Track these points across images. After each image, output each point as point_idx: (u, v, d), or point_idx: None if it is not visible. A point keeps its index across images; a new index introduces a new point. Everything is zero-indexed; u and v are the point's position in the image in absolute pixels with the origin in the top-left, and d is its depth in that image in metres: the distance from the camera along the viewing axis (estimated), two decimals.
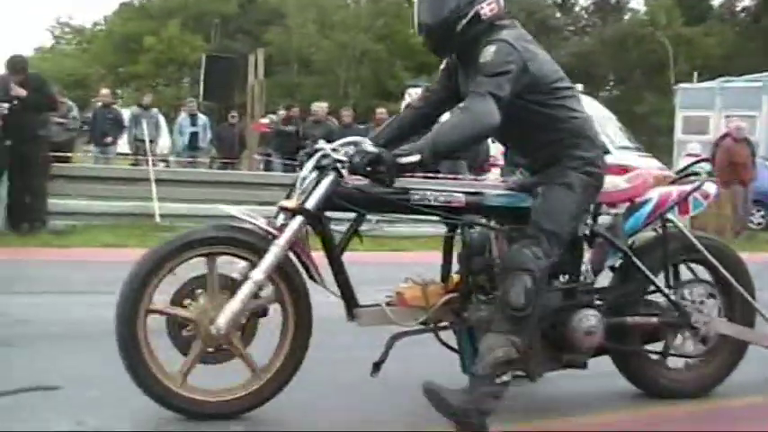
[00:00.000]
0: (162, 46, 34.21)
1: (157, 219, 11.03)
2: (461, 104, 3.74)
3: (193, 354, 3.66)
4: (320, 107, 16.19)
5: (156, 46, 34.45)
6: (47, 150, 10.92)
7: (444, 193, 3.86)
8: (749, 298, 4.33)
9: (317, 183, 3.67)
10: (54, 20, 45.91)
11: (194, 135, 16.69)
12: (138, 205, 11.09)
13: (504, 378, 3.65)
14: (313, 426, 3.80)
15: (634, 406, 4.29)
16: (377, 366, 3.81)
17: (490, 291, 3.89)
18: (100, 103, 15.93)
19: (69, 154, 14.16)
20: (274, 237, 3.62)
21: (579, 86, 21.17)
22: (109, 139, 15.23)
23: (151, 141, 15.09)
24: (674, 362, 4.39)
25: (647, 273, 4.13)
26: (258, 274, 3.59)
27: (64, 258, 8.23)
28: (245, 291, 3.59)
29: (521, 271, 3.66)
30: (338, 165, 3.64)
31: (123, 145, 16.89)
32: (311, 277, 3.76)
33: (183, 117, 17.15)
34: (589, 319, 3.96)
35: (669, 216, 4.22)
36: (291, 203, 3.66)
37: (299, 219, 3.64)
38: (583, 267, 4.07)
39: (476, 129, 3.63)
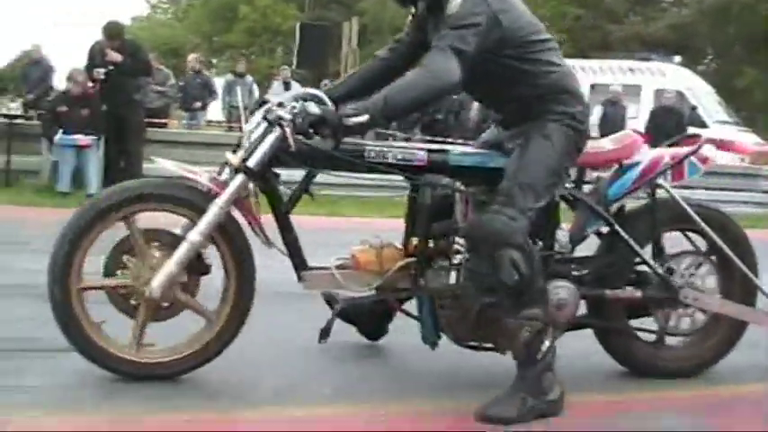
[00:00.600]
0: (256, 15, 33.72)
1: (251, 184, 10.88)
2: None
3: (141, 318, 3.41)
4: None
5: (250, 15, 34.00)
6: (142, 115, 10.96)
7: (404, 151, 3.51)
8: (749, 273, 3.87)
9: (262, 139, 3.35)
10: None
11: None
12: None
13: (545, 347, 3.30)
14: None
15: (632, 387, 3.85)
16: (325, 333, 3.51)
17: (452, 256, 3.53)
18: (191, 70, 15.86)
19: (165, 120, 14.16)
20: (216, 195, 3.33)
21: (677, 59, 20.50)
22: (198, 104, 15.10)
23: (245, 108, 14.84)
24: (663, 340, 3.95)
25: (631, 242, 3.71)
26: (195, 235, 3.32)
27: None
28: (180, 252, 3.32)
29: (502, 246, 3.27)
30: (282, 122, 3.29)
31: (216, 112, 16.82)
32: (257, 236, 3.46)
33: (276, 85, 16.94)
34: (560, 291, 3.59)
35: (660, 181, 3.77)
36: (235, 159, 3.36)
37: (240, 177, 3.35)
38: (559, 234, 3.67)
39: (433, 87, 3.27)
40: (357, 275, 3.53)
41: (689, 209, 3.78)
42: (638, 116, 16.69)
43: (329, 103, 3.34)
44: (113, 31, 10.53)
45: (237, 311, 3.47)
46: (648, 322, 3.89)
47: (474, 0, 3.27)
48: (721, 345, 3.96)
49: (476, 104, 11.26)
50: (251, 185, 3.40)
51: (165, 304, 3.42)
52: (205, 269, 3.50)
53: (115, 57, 10.24)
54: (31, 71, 14.52)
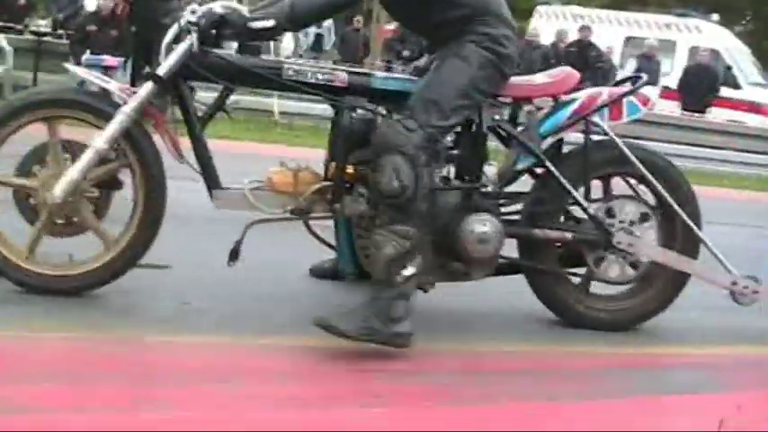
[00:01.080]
0: None
1: (276, 116, 10.73)
2: None
3: (38, 224, 3.28)
4: None
5: None
6: None
7: (324, 71, 3.31)
8: (690, 223, 3.61)
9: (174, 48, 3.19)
10: None
11: (319, 36, 16.35)
12: (257, 100, 10.44)
13: (407, 272, 3.05)
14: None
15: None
16: (234, 254, 3.33)
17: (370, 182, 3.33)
18: None
19: None
20: (124, 103, 3.17)
21: (715, 17, 19.80)
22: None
23: (275, 40, 14.63)
24: (599, 288, 3.73)
25: (562, 180, 3.48)
26: (99, 142, 3.17)
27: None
28: (84, 159, 3.18)
29: (389, 151, 3.08)
30: (190, 27, 3.12)
31: None
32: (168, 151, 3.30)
33: None
34: (483, 225, 3.36)
35: (595, 119, 3.52)
36: (147, 69, 3.20)
37: (148, 84, 3.18)
38: (486, 169, 3.45)
39: None
40: (271, 197, 3.35)
41: (627, 151, 3.53)
42: (671, 72, 16.20)
43: (241, 8, 3.14)
44: None
45: (146, 226, 3.31)
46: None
47: None
48: (660, 298, 3.71)
49: None
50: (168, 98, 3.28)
51: (60, 221, 3.29)
52: (117, 184, 3.36)
53: None
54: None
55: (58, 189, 3.15)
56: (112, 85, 3.23)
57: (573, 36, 14.94)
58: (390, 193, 3.04)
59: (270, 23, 3.06)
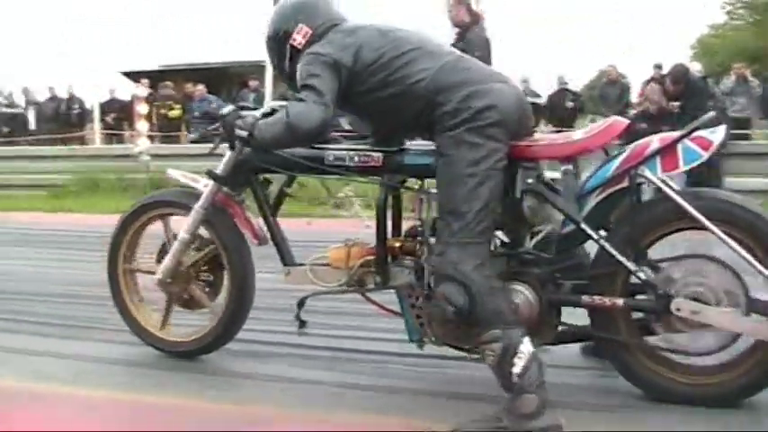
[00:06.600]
0: None
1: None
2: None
3: (165, 302, 3.85)
4: None
5: None
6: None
7: (360, 153, 3.39)
8: None
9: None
10: None
11: None
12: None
13: (517, 369, 2.85)
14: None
15: None
16: (301, 323, 3.51)
17: (420, 254, 3.32)
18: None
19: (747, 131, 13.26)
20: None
21: None
22: None
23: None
24: (687, 360, 3.17)
25: (601, 242, 3.08)
26: (182, 233, 3.67)
27: None
28: (174, 248, 3.70)
29: (436, 280, 3.07)
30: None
31: None
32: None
33: None
34: (512, 295, 3.13)
35: (645, 172, 3.05)
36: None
37: (210, 183, 3.60)
38: (522, 234, 3.23)
39: (290, 129, 3.15)
40: (327, 272, 3.51)
41: (684, 203, 2.99)
42: None
43: (245, 113, 3.40)
44: (677, 76, 10.72)
45: (235, 302, 3.69)
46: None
47: (307, 59, 3.21)
48: (759, 371, 3.06)
49: None
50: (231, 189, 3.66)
51: (186, 296, 3.80)
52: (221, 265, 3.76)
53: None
54: (609, 91, 14.82)
55: (159, 272, 3.71)
56: (199, 184, 3.68)
57: None
58: (453, 318, 2.98)
59: (243, 134, 3.28)
